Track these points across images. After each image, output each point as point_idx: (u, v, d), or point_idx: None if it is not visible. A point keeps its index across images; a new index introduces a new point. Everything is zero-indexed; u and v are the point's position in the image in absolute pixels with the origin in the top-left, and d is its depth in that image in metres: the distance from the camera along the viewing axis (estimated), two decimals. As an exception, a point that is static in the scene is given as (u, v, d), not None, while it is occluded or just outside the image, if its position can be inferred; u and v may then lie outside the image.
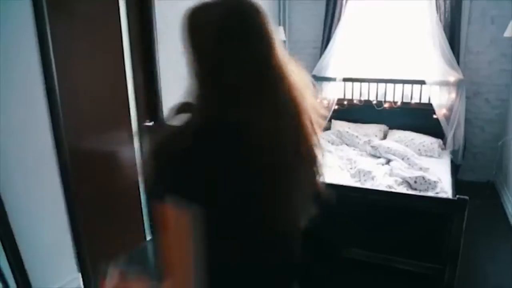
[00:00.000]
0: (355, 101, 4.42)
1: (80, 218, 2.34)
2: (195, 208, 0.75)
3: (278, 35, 0.85)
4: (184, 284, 0.78)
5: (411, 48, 4.05)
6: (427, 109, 4.02)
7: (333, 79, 4.37)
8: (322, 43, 4.41)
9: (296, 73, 0.85)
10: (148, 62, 2.81)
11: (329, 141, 3.99)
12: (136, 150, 2.82)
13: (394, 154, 3.45)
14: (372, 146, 3.67)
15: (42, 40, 2.02)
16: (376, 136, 4.07)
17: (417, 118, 4.09)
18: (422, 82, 4.00)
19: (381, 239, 2.42)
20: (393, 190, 2.57)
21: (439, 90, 3.93)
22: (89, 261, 2.41)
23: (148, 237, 3.02)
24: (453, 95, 3.85)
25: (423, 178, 2.74)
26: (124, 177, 2.76)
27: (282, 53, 0.83)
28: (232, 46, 0.78)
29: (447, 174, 3.18)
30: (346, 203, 2.46)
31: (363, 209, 2.40)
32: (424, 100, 4.09)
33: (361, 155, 3.68)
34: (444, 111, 3.91)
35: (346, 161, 3.33)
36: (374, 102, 4.28)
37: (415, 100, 4.13)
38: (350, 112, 4.42)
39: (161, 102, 2.92)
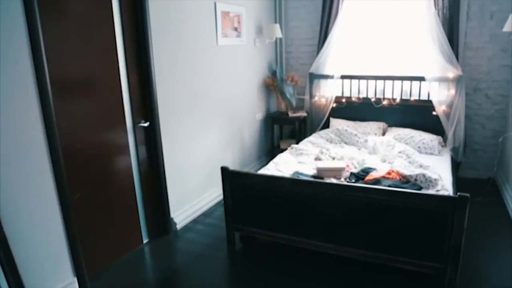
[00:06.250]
0: (353, 99, 4.39)
1: (76, 221, 2.31)
2: None
3: None
4: None
5: (410, 44, 4.03)
6: (427, 106, 3.99)
7: (331, 77, 4.34)
8: (319, 40, 4.38)
9: None
10: (142, 62, 2.77)
11: (327, 140, 3.97)
12: (131, 151, 2.79)
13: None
14: (371, 144, 3.65)
15: (34, 41, 1.98)
16: (375, 134, 4.04)
17: (417, 115, 4.06)
18: (421, 79, 3.97)
19: (381, 238, 2.39)
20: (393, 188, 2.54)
21: (438, 87, 3.90)
22: (85, 265, 2.38)
23: (145, 240, 3.00)
24: (453, 91, 3.82)
25: (424, 175, 2.71)
26: (119, 179, 2.73)
27: None
28: None
29: (448, 171, 3.15)
30: (346, 202, 2.43)
31: (363, 208, 2.38)
32: (424, 97, 4.06)
33: (360, 153, 3.64)
34: (443, 107, 3.88)
35: (347, 160, 3.31)
36: (373, 99, 4.26)
37: (414, 97, 4.10)
38: (349, 110, 4.39)
39: (156, 102, 2.89)
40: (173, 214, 3.19)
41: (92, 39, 2.42)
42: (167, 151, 3.05)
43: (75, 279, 2.35)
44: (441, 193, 2.51)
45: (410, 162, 3.12)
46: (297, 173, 2.98)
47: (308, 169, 3.10)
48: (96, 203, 2.55)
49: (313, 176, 2.90)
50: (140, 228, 2.95)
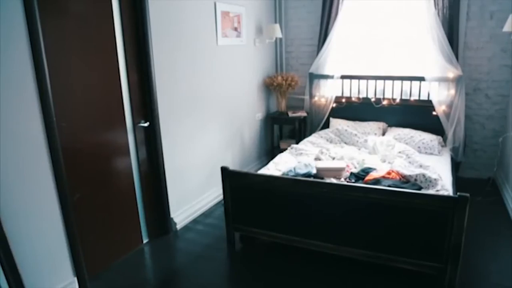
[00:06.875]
0: (353, 99, 4.39)
1: (76, 221, 2.31)
2: None
3: None
4: None
5: (410, 44, 4.02)
6: (427, 106, 3.99)
7: (331, 77, 4.34)
8: (319, 40, 4.38)
9: None
10: (142, 62, 2.77)
11: (327, 140, 3.96)
12: (131, 151, 2.79)
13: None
14: (370, 144, 3.65)
15: (34, 41, 1.98)
16: (375, 134, 4.04)
17: (417, 115, 4.06)
18: (421, 79, 3.97)
19: (381, 238, 2.39)
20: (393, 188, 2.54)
21: (438, 87, 3.90)
22: (85, 265, 2.38)
23: (145, 240, 3.00)
24: (453, 91, 3.82)
25: (424, 175, 2.71)
26: (119, 179, 2.73)
27: None
28: None
29: (448, 171, 3.15)
30: (346, 202, 2.43)
31: (363, 208, 2.38)
32: (423, 97, 4.06)
33: (360, 153, 3.64)
34: (443, 107, 3.88)
35: (347, 160, 3.31)
36: (373, 99, 4.26)
37: (414, 97, 4.10)
38: (349, 110, 4.39)
39: (156, 102, 2.89)
40: (173, 214, 3.19)
41: (92, 39, 2.42)
42: (167, 151, 3.06)
43: (75, 279, 2.36)
44: (441, 193, 2.51)
45: (410, 162, 3.12)
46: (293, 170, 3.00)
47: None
48: (96, 203, 2.55)
49: (313, 176, 2.90)
50: (140, 228, 2.95)
